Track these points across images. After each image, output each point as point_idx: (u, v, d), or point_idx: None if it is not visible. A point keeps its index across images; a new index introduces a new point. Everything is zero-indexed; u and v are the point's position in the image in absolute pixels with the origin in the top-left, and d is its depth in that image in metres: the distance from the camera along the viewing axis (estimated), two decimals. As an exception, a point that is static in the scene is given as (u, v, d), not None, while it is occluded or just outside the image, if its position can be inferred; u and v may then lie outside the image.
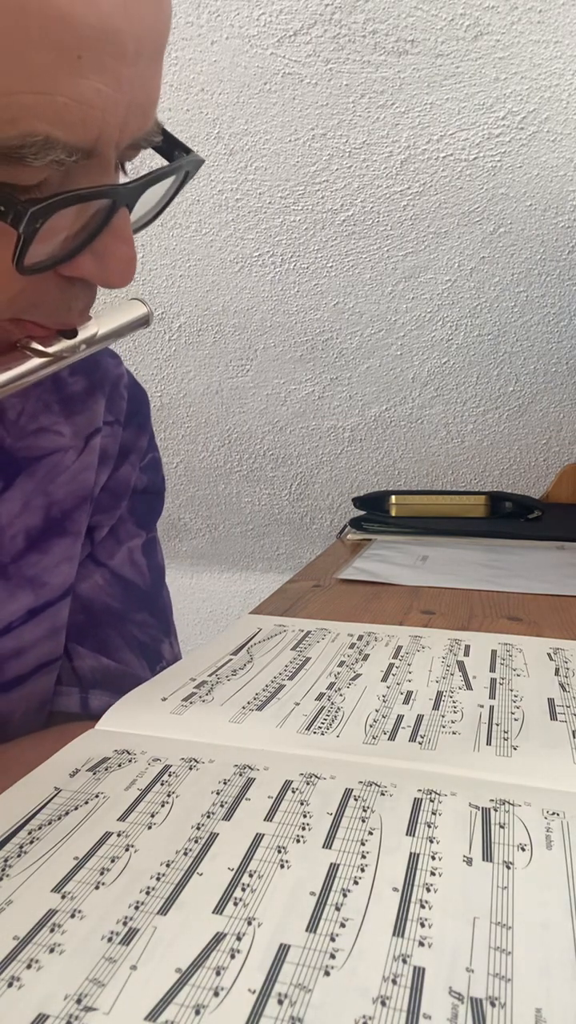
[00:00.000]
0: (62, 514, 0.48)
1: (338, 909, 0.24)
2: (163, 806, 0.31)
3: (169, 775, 0.33)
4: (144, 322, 0.43)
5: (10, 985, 0.21)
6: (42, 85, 0.27)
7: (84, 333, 0.39)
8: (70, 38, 0.27)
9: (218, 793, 0.32)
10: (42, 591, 0.47)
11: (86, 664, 0.50)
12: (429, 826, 0.29)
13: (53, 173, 0.30)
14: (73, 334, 0.38)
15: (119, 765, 0.34)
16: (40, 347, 0.37)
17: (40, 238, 0.30)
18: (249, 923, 0.24)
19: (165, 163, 0.36)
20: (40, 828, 0.29)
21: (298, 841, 0.28)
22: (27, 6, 0.26)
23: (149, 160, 0.36)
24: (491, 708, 0.41)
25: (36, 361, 0.38)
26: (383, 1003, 0.21)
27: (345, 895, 0.25)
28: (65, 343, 0.38)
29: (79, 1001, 0.21)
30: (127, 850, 0.28)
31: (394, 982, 0.21)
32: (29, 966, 0.22)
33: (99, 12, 0.27)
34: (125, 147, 0.33)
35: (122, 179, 0.34)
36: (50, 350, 0.38)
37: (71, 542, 0.48)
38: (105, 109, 0.29)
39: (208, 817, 0.30)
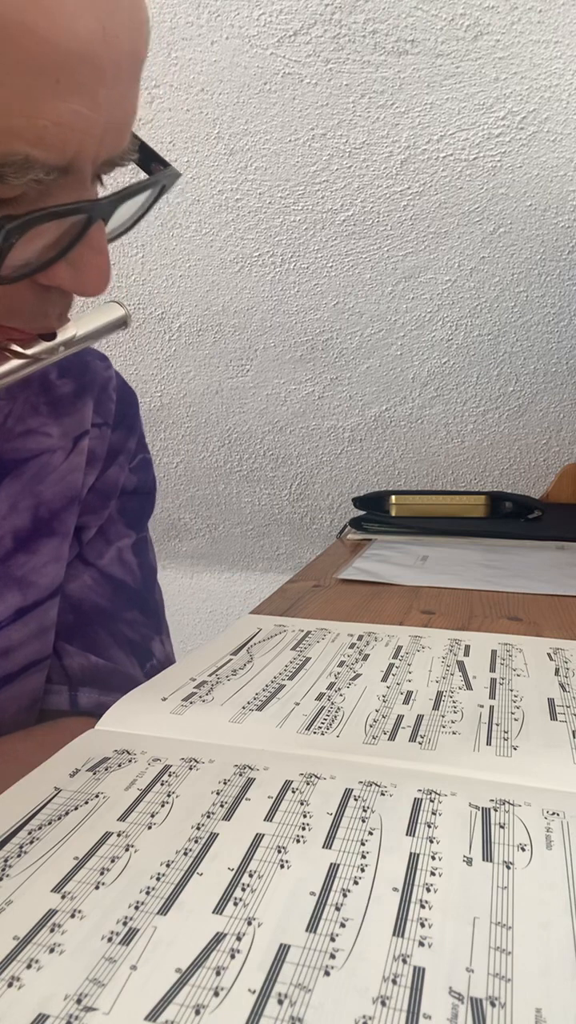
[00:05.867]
0: (50, 514, 0.48)
1: (338, 909, 0.24)
2: (163, 806, 0.31)
3: (169, 775, 0.33)
4: (122, 324, 0.44)
5: (10, 985, 0.21)
6: (22, 108, 0.28)
7: (63, 335, 0.40)
8: (49, 63, 0.28)
9: (218, 793, 0.32)
10: (30, 591, 0.47)
11: (75, 662, 0.50)
12: (429, 826, 0.29)
13: (30, 189, 0.31)
14: (52, 337, 0.40)
15: (119, 765, 0.34)
16: (19, 348, 0.39)
17: (16, 250, 0.31)
18: (249, 923, 0.24)
19: (143, 174, 0.37)
20: (40, 828, 0.29)
21: (298, 841, 0.28)
22: (7, 32, 0.27)
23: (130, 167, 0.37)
24: (491, 708, 0.41)
25: (15, 362, 0.39)
26: (383, 1003, 0.21)
27: (345, 895, 0.25)
28: (44, 345, 0.40)
29: (79, 1001, 0.21)
30: (127, 850, 0.28)
31: (394, 982, 0.21)
32: (29, 966, 0.22)
33: (77, 37, 0.28)
34: (102, 163, 0.34)
35: (100, 192, 0.35)
36: (29, 352, 0.39)
37: (59, 542, 0.49)
38: (83, 130, 0.30)
39: (208, 817, 0.30)
